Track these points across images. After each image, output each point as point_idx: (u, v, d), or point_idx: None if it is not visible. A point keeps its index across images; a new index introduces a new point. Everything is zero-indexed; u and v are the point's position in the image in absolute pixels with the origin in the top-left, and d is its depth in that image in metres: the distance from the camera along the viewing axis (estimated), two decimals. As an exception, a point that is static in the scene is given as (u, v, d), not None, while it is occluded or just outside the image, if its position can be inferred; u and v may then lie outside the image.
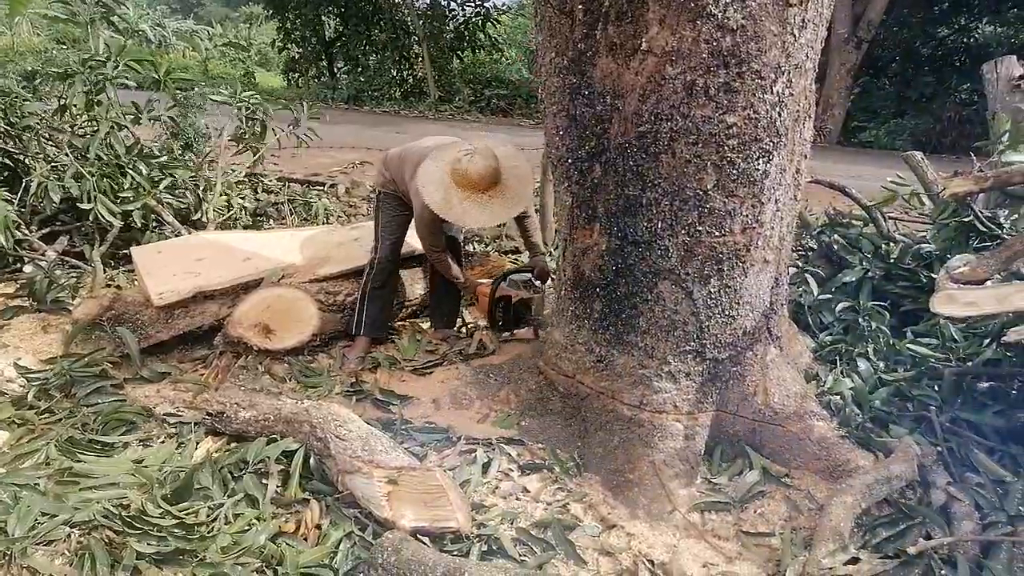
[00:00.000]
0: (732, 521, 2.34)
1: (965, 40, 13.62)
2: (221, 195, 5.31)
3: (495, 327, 3.41)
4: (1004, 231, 3.42)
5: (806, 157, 2.48)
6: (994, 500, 2.23)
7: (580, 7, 2.19)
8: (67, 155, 4.55)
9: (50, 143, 4.76)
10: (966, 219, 3.52)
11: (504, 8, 18.30)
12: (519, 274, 3.51)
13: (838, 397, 2.79)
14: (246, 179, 5.93)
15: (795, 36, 2.11)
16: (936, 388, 2.77)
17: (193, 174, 5.25)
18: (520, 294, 3.38)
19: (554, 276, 3.56)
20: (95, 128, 4.64)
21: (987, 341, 2.86)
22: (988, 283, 2.38)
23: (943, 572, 1.94)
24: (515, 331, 3.45)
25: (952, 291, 2.17)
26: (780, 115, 2.19)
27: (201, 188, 5.20)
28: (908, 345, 3.09)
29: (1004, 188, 2.68)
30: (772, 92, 2.15)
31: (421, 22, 15.64)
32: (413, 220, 3.32)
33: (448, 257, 3.41)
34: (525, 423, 2.79)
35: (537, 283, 3.47)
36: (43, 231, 4.57)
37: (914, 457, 2.36)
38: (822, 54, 2.36)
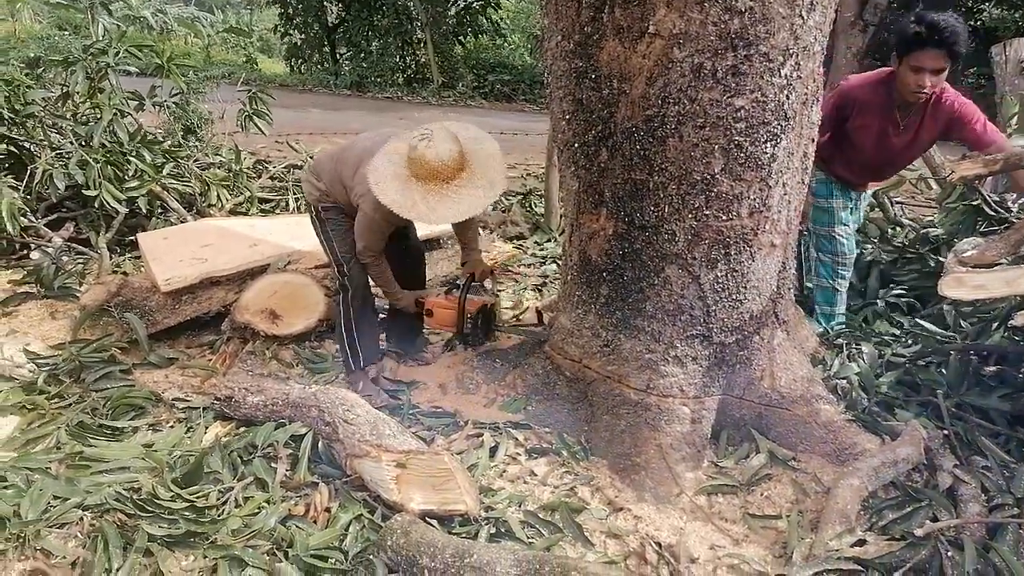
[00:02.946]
0: (739, 504, 2.36)
1: (972, 23, 13.52)
2: (225, 181, 5.31)
3: (473, 341, 3.05)
4: (1012, 215, 3.40)
5: (814, 141, 2.47)
6: (1000, 483, 2.24)
7: (587, -10, 2.17)
8: (71, 142, 4.55)
9: (54, 130, 4.76)
10: (974, 203, 3.51)
11: (507, -7, 18.18)
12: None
13: (844, 381, 2.79)
14: (252, 166, 5.94)
15: (804, 18, 2.10)
16: (942, 372, 2.77)
17: (198, 159, 5.25)
18: (487, 300, 3.05)
19: (495, 274, 3.33)
20: (98, 115, 4.63)
21: (995, 325, 2.86)
22: (997, 266, 2.37)
23: (950, 554, 1.95)
24: (487, 340, 3.12)
25: (960, 274, 2.16)
26: (788, 98, 2.18)
27: (206, 173, 5.21)
28: (917, 320, 3.10)
29: (1013, 171, 2.67)
30: (780, 75, 2.13)
31: (423, 7, 15.55)
32: (356, 220, 2.84)
33: (383, 264, 2.96)
34: (532, 407, 2.80)
35: (487, 285, 3.14)
36: (49, 218, 4.59)
37: (921, 440, 2.37)
38: (829, 38, 2.34)
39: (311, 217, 3.04)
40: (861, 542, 2.06)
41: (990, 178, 3.95)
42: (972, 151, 2.85)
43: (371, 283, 3.03)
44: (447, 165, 2.54)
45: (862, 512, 2.19)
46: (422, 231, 3.46)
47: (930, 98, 2.86)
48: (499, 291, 3.24)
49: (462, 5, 16.37)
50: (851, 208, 3.30)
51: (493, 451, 2.56)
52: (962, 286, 2.14)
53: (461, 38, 16.75)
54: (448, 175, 2.56)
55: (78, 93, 4.76)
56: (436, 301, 3.03)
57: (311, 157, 6.07)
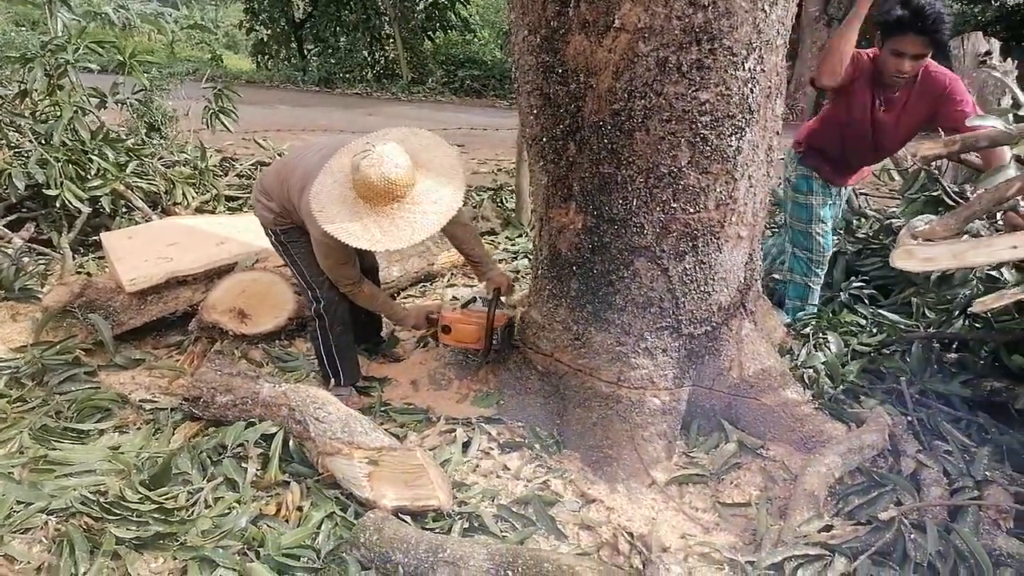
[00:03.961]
0: (709, 493, 2.39)
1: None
2: (191, 179, 5.24)
3: (497, 357, 2.88)
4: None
5: (778, 134, 2.50)
6: (961, 466, 2.30)
7: (553, -16, 2.18)
8: (30, 141, 4.45)
9: (12, 129, 4.65)
10: (934, 193, 3.59)
11: (475, -12, 18.13)
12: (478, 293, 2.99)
13: (811, 370, 2.84)
14: (218, 164, 5.86)
15: (766, 12, 2.12)
16: (906, 360, 2.84)
17: (162, 157, 5.17)
18: (509, 314, 2.89)
19: (513, 287, 3.10)
20: (58, 113, 4.54)
21: (956, 313, 2.93)
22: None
23: (913, 536, 1.99)
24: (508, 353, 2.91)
25: (911, 246, 2.20)
26: (752, 92, 2.21)
27: (171, 171, 5.13)
28: (879, 311, 3.16)
29: (971, 151, 2.70)
30: (744, 69, 2.16)
31: (391, 2, 15.44)
32: (316, 254, 2.63)
33: (369, 287, 2.78)
34: (504, 402, 2.81)
35: (503, 299, 2.97)
36: (8, 218, 4.48)
37: (885, 427, 2.42)
38: (793, 32, 2.37)
39: (271, 242, 2.85)
40: (828, 527, 2.10)
41: (949, 170, 4.05)
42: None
43: (348, 303, 2.84)
44: (395, 184, 2.31)
45: (829, 498, 2.24)
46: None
47: (916, 74, 2.83)
48: (515, 304, 3.06)
49: (431, 0, 16.27)
50: (831, 204, 3.29)
51: (466, 446, 2.56)
52: (912, 258, 2.17)
53: (430, 33, 16.67)
54: (399, 193, 2.33)
55: (37, 91, 4.65)
56: (454, 316, 2.80)
57: (280, 154, 6.00)
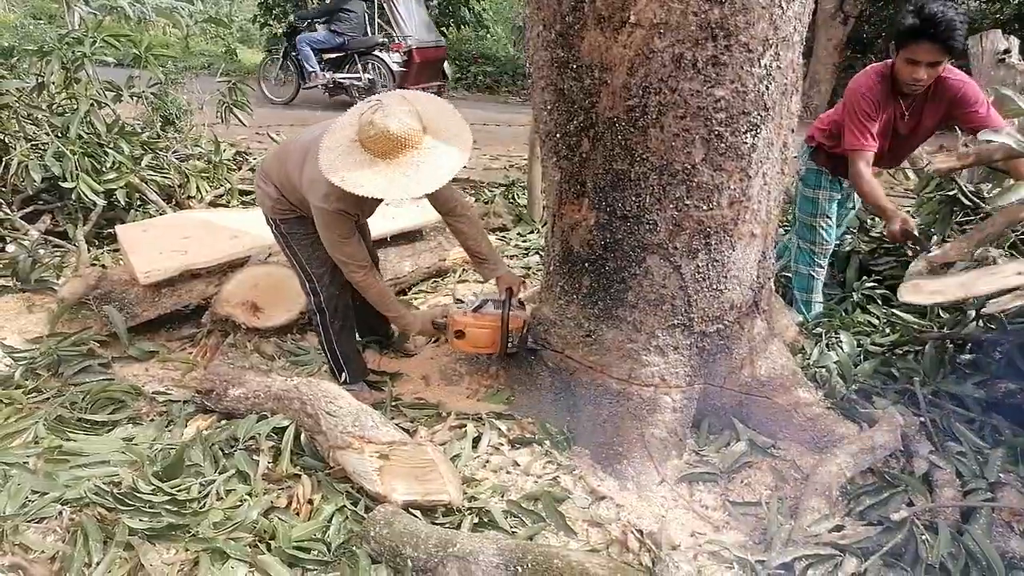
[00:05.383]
0: (719, 491, 2.38)
1: (951, 15, 13.62)
2: (205, 173, 5.26)
3: (514, 359, 2.84)
4: (987, 205, 3.45)
5: (793, 131, 2.48)
6: (974, 468, 2.28)
7: (568, -21, 2.17)
8: (47, 133, 4.48)
9: (29, 121, 4.69)
10: (950, 193, 3.55)
11: (490, -16, 18.08)
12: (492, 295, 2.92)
13: (823, 370, 2.83)
14: (232, 158, 5.88)
15: (783, 8, 2.11)
16: (919, 361, 2.81)
17: (177, 150, 5.19)
18: (523, 316, 2.78)
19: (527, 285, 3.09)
20: (75, 106, 4.57)
21: (971, 314, 2.90)
22: (953, 269, 2.42)
23: (924, 537, 1.98)
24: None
25: (918, 280, 2.21)
26: (768, 88, 2.19)
27: (186, 165, 5.15)
28: (894, 311, 3.14)
29: (986, 164, 2.69)
30: (760, 65, 2.14)
31: (405, -3, 15.42)
32: (318, 228, 2.56)
33: (378, 281, 2.70)
34: (515, 398, 2.81)
35: (519, 300, 2.89)
36: (25, 210, 4.51)
37: (897, 427, 2.41)
38: (808, 29, 2.35)
39: (272, 232, 2.81)
40: (839, 527, 2.09)
41: (965, 170, 4.01)
42: (973, 136, 2.74)
43: (349, 299, 2.81)
44: (413, 128, 2.29)
45: (840, 498, 2.22)
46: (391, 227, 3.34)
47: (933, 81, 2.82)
48: (524, 302, 2.97)
49: (444, -4, 16.26)
50: (840, 199, 3.32)
51: (476, 441, 2.57)
52: (920, 292, 2.18)
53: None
54: (416, 140, 2.30)
55: (54, 83, 4.68)
56: (467, 321, 2.69)
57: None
